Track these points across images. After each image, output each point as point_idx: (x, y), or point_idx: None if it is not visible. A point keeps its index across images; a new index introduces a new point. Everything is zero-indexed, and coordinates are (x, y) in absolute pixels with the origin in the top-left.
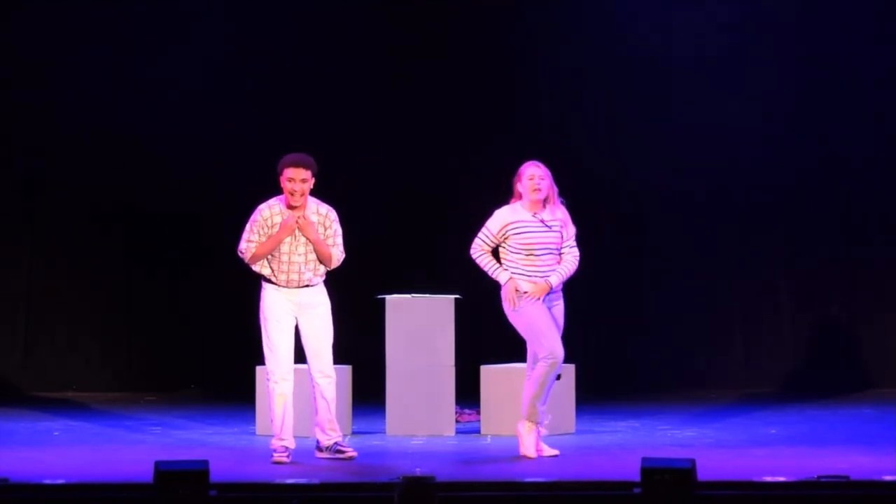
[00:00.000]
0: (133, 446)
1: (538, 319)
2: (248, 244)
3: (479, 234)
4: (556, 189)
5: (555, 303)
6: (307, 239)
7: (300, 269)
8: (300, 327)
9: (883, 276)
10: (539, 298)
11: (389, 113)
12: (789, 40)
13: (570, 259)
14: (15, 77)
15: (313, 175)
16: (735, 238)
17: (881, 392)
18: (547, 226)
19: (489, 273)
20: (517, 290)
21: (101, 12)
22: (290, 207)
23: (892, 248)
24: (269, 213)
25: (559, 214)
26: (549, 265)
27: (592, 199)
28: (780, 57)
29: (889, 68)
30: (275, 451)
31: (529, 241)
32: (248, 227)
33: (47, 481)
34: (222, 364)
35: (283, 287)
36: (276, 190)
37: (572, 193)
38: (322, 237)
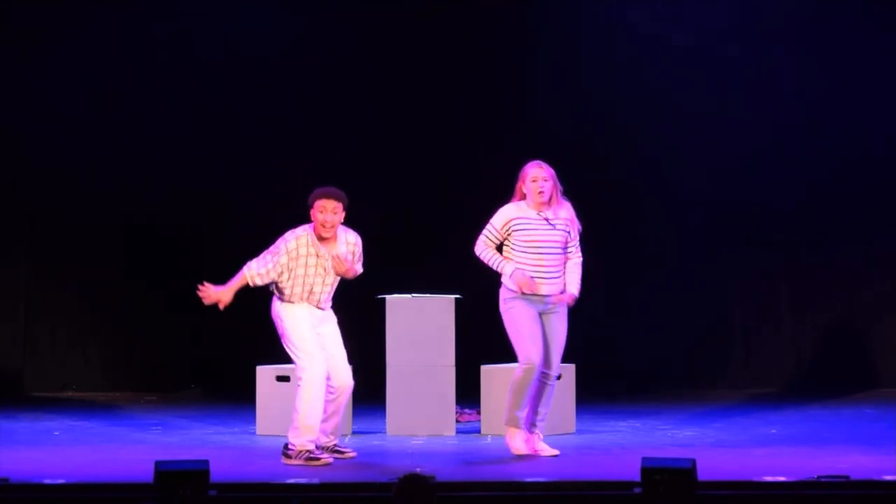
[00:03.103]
0: (133, 446)
1: (523, 324)
2: (260, 273)
3: (483, 231)
4: (559, 187)
5: (556, 310)
6: (339, 275)
7: (320, 299)
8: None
9: (884, 276)
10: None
11: (391, 113)
12: (794, 44)
13: (578, 263)
14: (15, 79)
15: (344, 208)
16: (736, 238)
17: (881, 392)
18: (551, 224)
19: (493, 266)
20: (524, 277)
21: (100, 16)
22: (320, 238)
23: (893, 247)
24: (295, 244)
25: (563, 213)
26: (554, 265)
27: (594, 199)
28: (784, 62)
29: (887, 71)
30: (311, 454)
31: (534, 238)
32: (270, 253)
33: (47, 481)
34: (222, 364)
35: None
36: (274, 192)
37: (574, 193)
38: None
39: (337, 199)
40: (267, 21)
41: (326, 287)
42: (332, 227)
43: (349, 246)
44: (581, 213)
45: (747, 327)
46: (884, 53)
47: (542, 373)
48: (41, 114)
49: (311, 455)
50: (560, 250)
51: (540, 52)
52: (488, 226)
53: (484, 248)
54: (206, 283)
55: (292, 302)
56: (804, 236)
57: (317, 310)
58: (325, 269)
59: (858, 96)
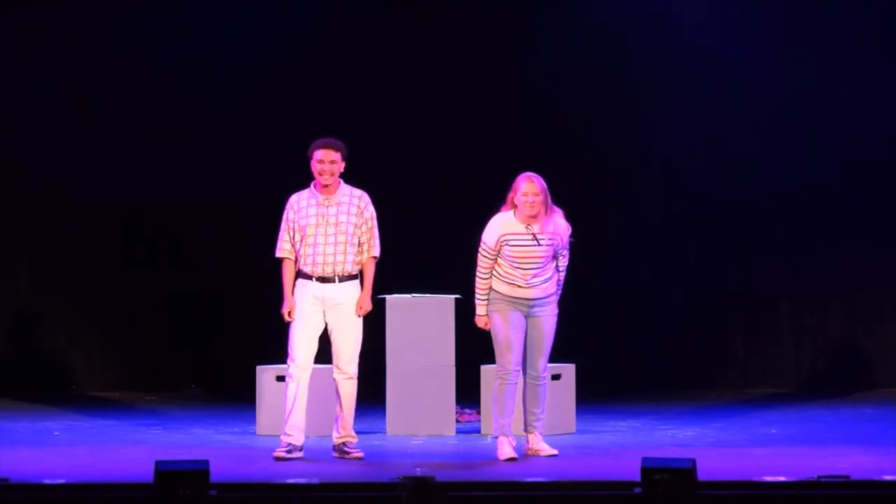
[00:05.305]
0: (133, 446)
1: (500, 331)
2: (282, 247)
3: (480, 251)
4: (549, 200)
5: (542, 309)
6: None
7: (325, 258)
8: (328, 324)
9: (883, 275)
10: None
11: (391, 112)
12: (796, 44)
13: (561, 269)
14: (15, 79)
15: (343, 158)
16: (736, 238)
17: (881, 392)
18: (537, 240)
19: (476, 294)
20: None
21: (100, 15)
22: (323, 188)
23: (893, 248)
24: (296, 197)
25: (551, 227)
26: (539, 275)
27: (594, 197)
28: (786, 62)
29: (888, 71)
30: (279, 445)
31: (517, 255)
32: (280, 226)
33: (47, 481)
34: (222, 364)
35: (311, 281)
36: (274, 191)
37: (574, 192)
38: (359, 221)
39: (335, 148)
40: (267, 21)
41: (330, 240)
42: (332, 175)
43: (353, 199)
44: (580, 211)
45: (748, 327)
46: (884, 53)
47: (529, 374)
48: (40, 114)
49: (344, 449)
50: (546, 263)
51: (540, 52)
52: (482, 245)
53: (485, 275)
54: (285, 311)
55: (304, 272)
56: (804, 236)
57: (324, 285)
58: (325, 219)
59: (859, 96)
